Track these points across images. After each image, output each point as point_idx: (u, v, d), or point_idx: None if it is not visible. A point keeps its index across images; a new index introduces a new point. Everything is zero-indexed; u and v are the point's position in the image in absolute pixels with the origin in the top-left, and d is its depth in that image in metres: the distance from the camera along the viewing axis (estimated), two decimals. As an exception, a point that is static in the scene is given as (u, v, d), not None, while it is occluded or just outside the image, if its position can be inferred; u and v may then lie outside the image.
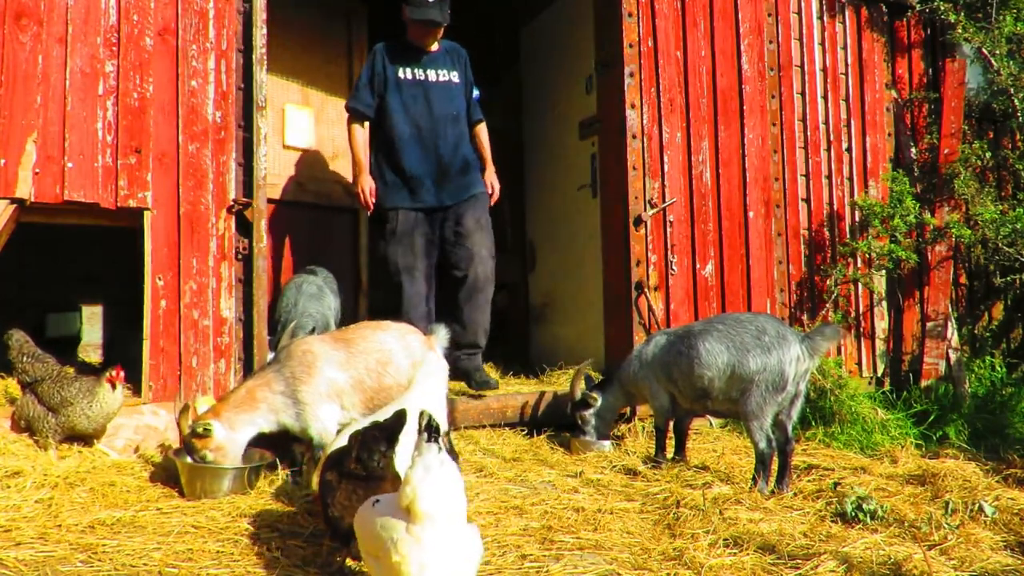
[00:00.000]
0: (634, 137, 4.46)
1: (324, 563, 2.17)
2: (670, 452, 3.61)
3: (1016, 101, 5.20)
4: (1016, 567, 2.30)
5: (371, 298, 5.03)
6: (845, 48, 5.28)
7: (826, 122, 5.16)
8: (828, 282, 4.97)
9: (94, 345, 5.51)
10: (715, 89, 4.73)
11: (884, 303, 5.25)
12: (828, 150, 5.15)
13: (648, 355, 3.56)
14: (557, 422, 4.12)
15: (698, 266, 4.62)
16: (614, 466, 3.46)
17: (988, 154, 5.33)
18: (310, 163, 4.86)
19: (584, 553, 2.32)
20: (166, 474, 2.97)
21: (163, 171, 3.43)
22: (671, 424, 3.60)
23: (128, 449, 3.23)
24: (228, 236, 3.54)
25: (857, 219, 5.14)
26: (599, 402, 3.79)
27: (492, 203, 4.26)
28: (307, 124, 4.85)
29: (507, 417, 4.06)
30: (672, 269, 4.52)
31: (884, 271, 5.13)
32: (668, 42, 4.61)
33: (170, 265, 3.42)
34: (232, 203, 3.55)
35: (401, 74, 4.02)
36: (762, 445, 3.13)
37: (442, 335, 3.32)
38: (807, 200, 5.04)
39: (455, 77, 4.13)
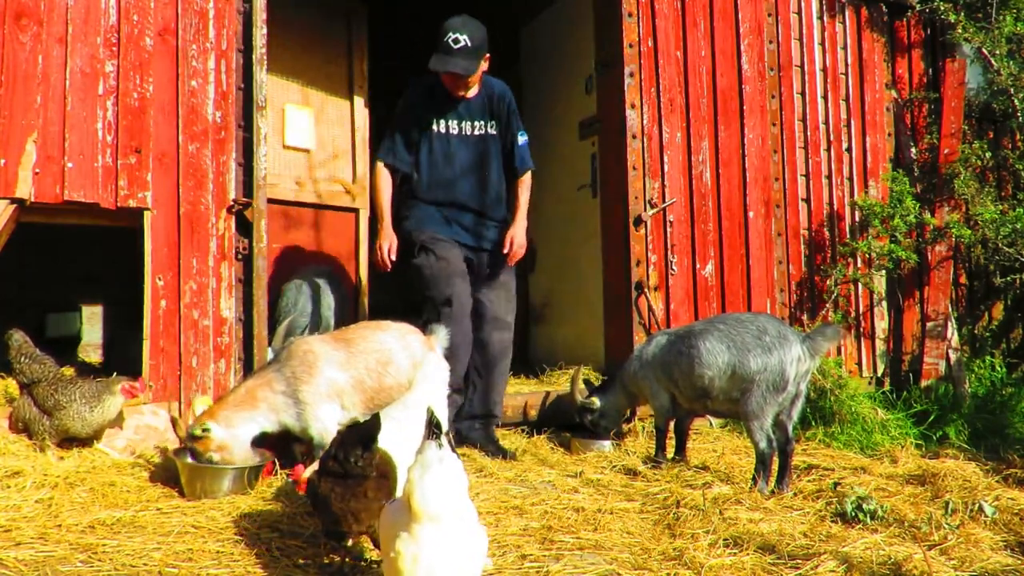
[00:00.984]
0: (634, 137, 4.46)
1: (323, 563, 2.17)
2: (670, 452, 3.61)
3: (1016, 101, 5.20)
4: (1016, 567, 2.30)
5: (371, 298, 5.02)
6: (845, 48, 5.28)
7: (826, 122, 5.16)
8: (828, 282, 4.97)
9: (94, 345, 5.51)
10: (715, 89, 4.73)
11: (884, 303, 5.25)
12: (828, 150, 5.15)
13: (648, 355, 3.56)
14: (557, 422, 4.12)
15: (698, 266, 4.62)
16: (614, 466, 3.46)
17: (988, 154, 5.33)
18: (310, 163, 4.86)
19: (584, 553, 2.32)
20: (166, 474, 2.97)
21: (163, 171, 3.43)
22: (671, 424, 3.61)
23: (128, 449, 3.23)
24: (228, 236, 3.54)
25: (857, 219, 5.14)
26: (597, 405, 3.80)
27: (511, 262, 3.70)
28: (307, 124, 4.84)
29: (507, 417, 4.06)
30: (672, 269, 4.52)
31: (884, 271, 5.13)
32: (668, 42, 4.61)
33: (170, 265, 3.42)
34: (232, 203, 3.55)
35: (435, 126, 3.63)
36: (762, 445, 3.12)
37: (442, 336, 3.32)
38: (807, 200, 5.04)
39: (492, 128, 3.70)
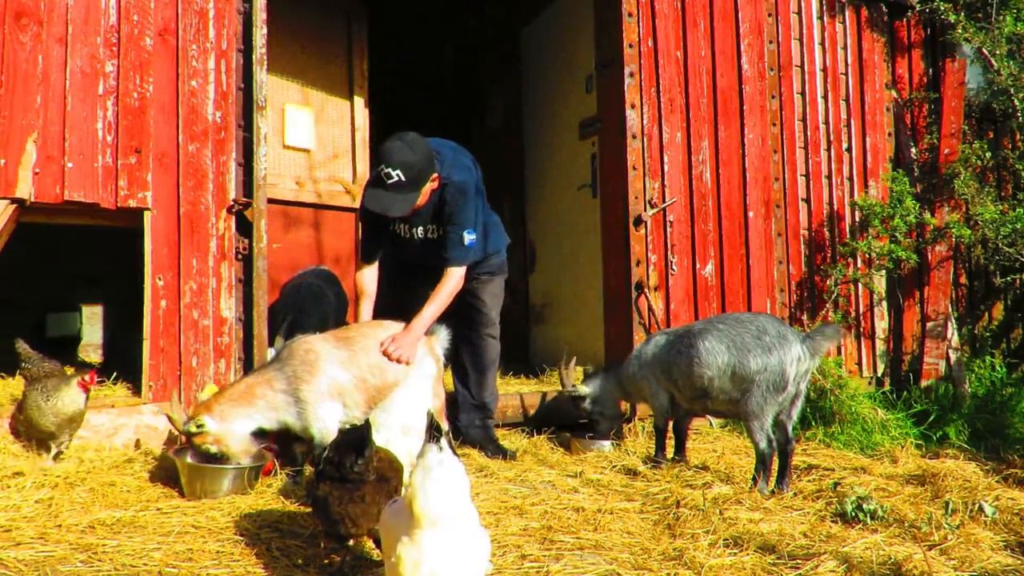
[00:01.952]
0: (634, 137, 4.46)
1: (323, 563, 2.18)
2: (670, 452, 3.61)
3: (1016, 101, 5.20)
4: (1016, 567, 2.30)
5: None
6: (845, 48, 5.28)
7: (826, 122, 5.16)
8: (828, 282, 4.97)
9: (94, 345, 5.50)
10: (715, 89, 4.73)
11: (884, 303, 5.25)
12: (828, 150, 5.15)
13: (648, 355, 3.56)
14: (557, 422, 4.12)
15: (698, 266, 4.62)
16: (614, 466, 3.46)
17: (988, 154, 5.33)
18: (310, 163, 4.86)
19: (584, 553, 2.32)
20: (166, 474, 2.97)
21: (163, 171, 3.43)
22: (671, 424, 3.60)
23: (129, 448, 3.23)
24: (228, 236, 3.54)
25: (857, 219, 5.14)
26: (586, 392, 3.83)
27: (390, 355, 3.07)
28: (307, 124, 4.84)
29: (507, 417, 4.06)
30: (672, 269, 4.52)
31: (884, 271, 5.13)
32: (668, 42, 4.61)
33: (170, 265, 3.42)
34: (232, 203, 3.55)
35: (396, 229, 3.44)
36: (763, 445, 3.12)
37: (442, 336, 3.32)
38: (807, 200, 5.04)
39: (441, 227, 3.40)
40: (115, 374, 3.72)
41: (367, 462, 2.02)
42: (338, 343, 3.04)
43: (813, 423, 4.26)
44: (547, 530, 2.51)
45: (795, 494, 3.08)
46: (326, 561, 2.18)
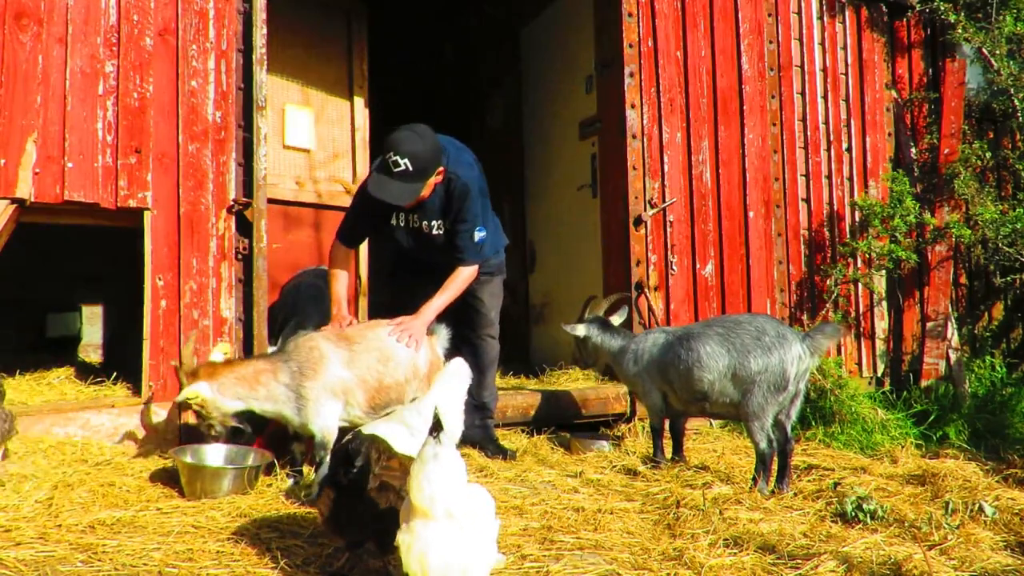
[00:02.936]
0: (634, 137, 4.46)
1: (324, 563, 2.18)
2: (668, 452, 3.60)
3: (1016, 101, 5.20)
4: (1016, 567, 2.30)
5: (371, 299, 5.02)
6: (845, 48, 5.28)
7: (826, 122, 5.16)
8: (828, 282, 4.97)
9: (94, 345, 5.51)
10: (715, 89, 4.73)
11: (884, 303, 5.25)
12: (828, 150, 5.15)
13: (644, 354, 3.54)
14: (557, 422, 4.12)
15: (698, 266, 4.62)
16: (614, 466, 3.46)
17: (988, 154, 5.33)
18: (310, 163, 4.86)
19: (584, 553, 2.32)
20: (166, 474, 2.97)
21: (163, 171, 3.43)
22: (666, 424, 3.60)
23: (129, 448, 3.23)
24: (228, 236, 3.54)
25: (857, 219, 5.14)
26: (581, 333, 3.76)
27: (398, 336, 3.13)
28: (307, 124, 4.84)
29: (507, 417, 4.06)
30: (672, 269, 4.52)
31: (884, 271, 5.13)
32: (668, 42, 4.61)
33: (170, 265, 3.42)
34: (232, 203, 3.55)
35: (393, 220, 3.37)
36: (763, 445, 3.12)
37: (443, 335, 3.32)
38: (807, 200, 5.04)
39: (448, 223, 3.36)
40: (115, 374, 3.72)
41: (362, 474, 2.03)
42: (341, 342, 3.04)
43: (813, 423, 4.26)
44: (547, 530, 2.51)
45: (795, 494, 3.08)
46: (326, 562, 2.18)
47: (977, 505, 2.82)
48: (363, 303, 4.96)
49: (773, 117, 4.92)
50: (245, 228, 3.56)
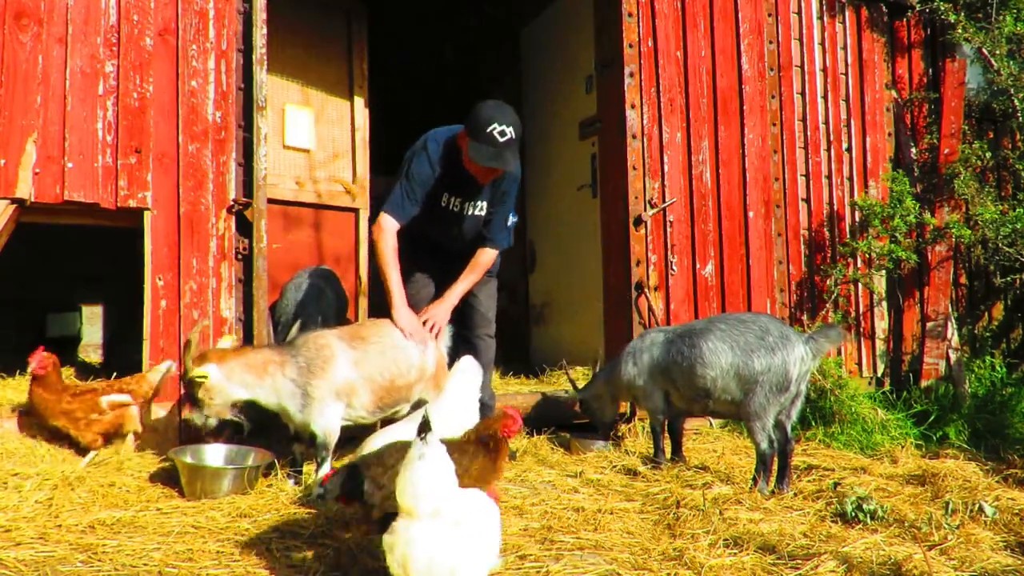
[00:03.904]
0: (634, 137, 4.46)
1: (328, 563, 2.18)
2: (668, 452, 3.60)
3: (1016, 101, 5.20)
4: (1016, 567, 2.30)
5: (371, 298, 5.03)
6: (845, 48, 5.28)
7: (826, 122, 5.16)
8: (828, 282, 4.97)
9: (94, 345, 5.51)
10: (715, 89, 4.73)
11: (884, 303, 5.25)
12: (828, 150, 5.15)
13: (643, 354, 3.53)
14: (557, 422, 4.12)
15: (698, 266, 4.62)
16: (614, 466, 3.46)
17: (988, 154, 5.33)
18: (310, 163, 4.86)
19: (584, 553, 2.32)
20: (166, 474, 2.97)
21: (163, 171, 3.43)
22: (666, 424, 3.60)
23: (129, 448, 3.23)
24: (228, 236, 3.54)
25: (857, 219, 5.14)
26: (581, 398, 3.87)
27: (429, 328, 3.28)
28: (307, 124, 4.84)
29: (507, 417, 4.06)
30: (672, 269, 4.52)
31: (884, 271, 5.13)
32: (668, 42, 4.61)
33: (170, 265, 3.42)
34: (232, 203, 3.55)
35: (442, 200, 3.33)
36: (764, 445, 3.12)
37: (447, 333, 3.32)
38: (807, 200, 5.04)
39: (487, 206, 3.41)
40: (115, 374, 3.72)
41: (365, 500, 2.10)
42: (353, 341, 3.02)
43: (813, 423, 4.26)
44: (547, 530, 2.51)
45: (795, 494, 3.08)
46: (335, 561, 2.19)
47: (977, 505, 2.82)
48: (363, 303, 4.96)
49: (773, 117, 4.92)
50: (245, 228, 3.56)
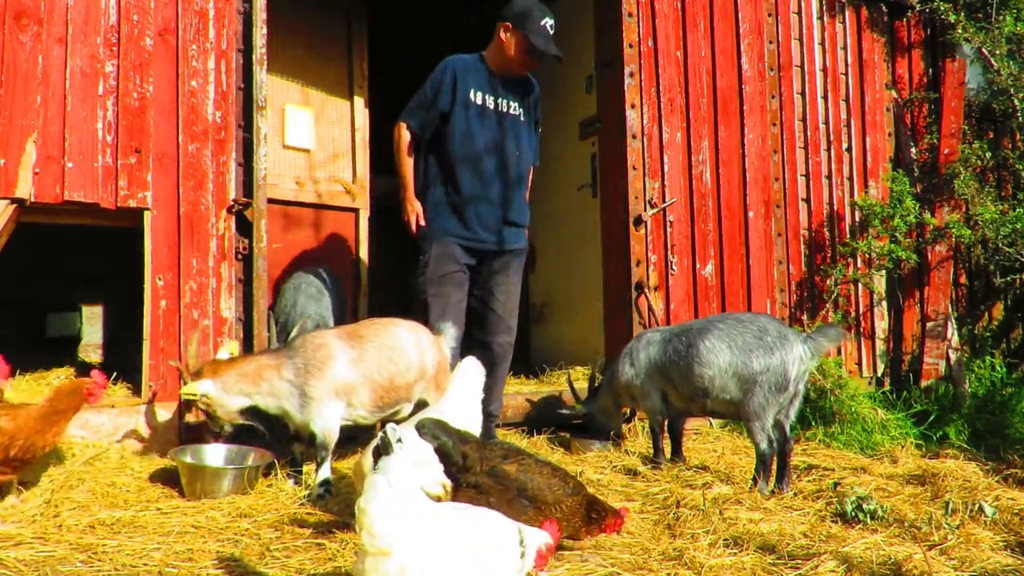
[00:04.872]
0: (634, 137, 4.46)
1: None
2: (668, 453, 3.60)
3: (1016, 101, 5.20)
4: (1016, 567, 2.30)
5: (371, 298, 5.02)
6: (845, 48, 5.28)
7: (826, 122, 5.16)
8: (828, 282, 4.97)
9: (94, 345, 5.50)
10: (715, 89, 4.73)
11: (884, 303, 5.25)
12: (828, 150, 5.15)
13: (640, 354, 3.53)
14: (557, 422, 4.12)
15: (698, 266, 4.62)
16: (614, 466, 3.46)
17: (988, 154, 5.33)
18: (310, 163, 4.86)
19: (584, 553, 2.32)
20: (166, 474, 2.97)
21: (163, 171, 3.43)
22: (665, 424, 3.60)
23: (129, 448, 3.23)
24: (228, 236, 3.54)
25: (857, 219, 5.14)
26: (586, 411, 3.88)
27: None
28: (307, 124, 4.84)
29: (507, 417, 4.06)
30: (672, 269, 4.52)
31: (884, 271, 5.13)
32: (668, 42, 4.61)
33: (170, 265, 3.42)
34: (232, 203, 3.55)
35: (472, 96, 3.58)
36: (763, 445, 3.12)
37: (450, 334, 3.31)
38: (807, 200, 5.04)
39: (522, 113, 3.75)
40: (115, 374, 3.72)
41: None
42: (351, 341, 3.02)
43: (813, 423, 4.26)
44: (547, 530, 2.50)
45: (795, 494, 3.08)
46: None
47: (977, 505, 2.82)
48: (363, 303, 4.96)
49: (773, 117, 4.92)
50: (245, 228, 3.56)
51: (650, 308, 4.38)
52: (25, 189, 3.16)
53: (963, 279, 5.77)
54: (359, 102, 5.08)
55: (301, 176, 4.80)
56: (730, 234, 4.72)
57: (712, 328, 3.26)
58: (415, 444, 2.10)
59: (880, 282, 5.22)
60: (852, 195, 5.19)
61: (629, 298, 4.40)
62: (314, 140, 4.89)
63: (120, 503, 2.64)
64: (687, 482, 3.18)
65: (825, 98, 5.17)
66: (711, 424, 4.34)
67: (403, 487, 1.59)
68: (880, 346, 5.21)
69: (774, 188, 4.88)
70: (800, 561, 2.27)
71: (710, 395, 3.24)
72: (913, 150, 5.43)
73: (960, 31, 5.03)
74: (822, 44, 5.19)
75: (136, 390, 3.41)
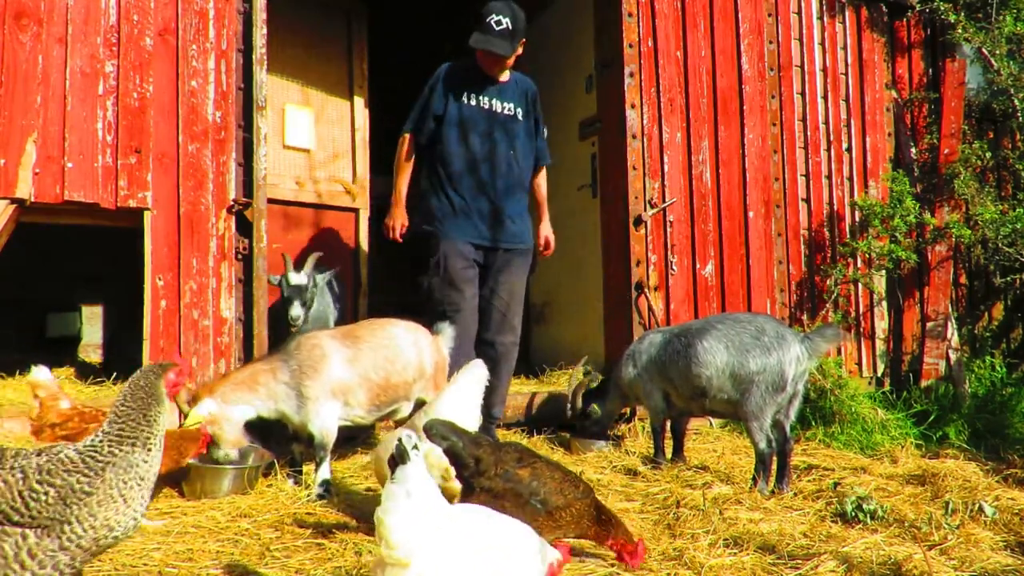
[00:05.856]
0: (634, 137, 4.46)
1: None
2: (669, 452, 3.60)
3: (1016, 101, 5.20)
4: (1016, 567, 2.30)
5: (371, 298, 5.03)
6: (845, 48, 5.28)
7: (826, 122, 5.16)
8: (828, 282, 4.97)
9: (94, 345, 5.51)
10: (715, 89, 4.73)
11: (884, 303, 5.25)
12: (828, 150, 5.15)
13: (642, 354, 3.54)
14: (557, 422, 4.12)
15: (698, 266, 4.62)
16: (614, 466, 3.46)
17: (988, 154, 5.33)
18: (310, 163, 4.86)
19: (584, 553, 2.31)
20: (166, 474, 2.96)
21: (163, 171, 3.43)
22: (667, 424, 3.60)
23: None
24: (228, 236, 3.54)
25: (857, 219, 5.14)
26: (599, 414, 3.84)
27: (547, 254, 3.99)
28: (307, 124, 4.84)
29: (507, 417, 4.06)
30: (672, 269, 4.52)
31: (884, 271, 5.13)
32: (668, 42, 4.61)
33: (170, 265, 3.42)
34: (232, 203, 3.55)
35: (465, 99, 3.65)
36: (762, 445, 3.12)
37: (448, 334, 3.31)
38: (807, 200, 5.04)
39: (520, 113, 3.76)
40: (115, 374, 3.72)
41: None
42: (345, 340, 3.02)
43: (813, 423, 4.26)
44: (547, 530, 2.50)
45: (795, 494, 3.08)
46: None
47: (977, 505, 2.82)
48: (363, 303, 4.96)
49: (773, 117, 4.92)
50: (245, 228, 3.56)
51: (650, 308, 4.38)
52: (25, 189, 3.16)
53: (963, 279, 5.77)
54: (359, 102, 5.09)
55: (301, 176, 4.80)
56: (730, 234, 4.72)
57: (710, 328, 3.26)
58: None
59: (880, 282, 5.22)
60: (852, 195, 5.19)
61: (629, 298, 4.40)
62: (314, 140, 4.89)
63: (120, 503, 2.64)
64: (687, 482, 3.18)
65: (825, 98, 5.17)
66: (711, 424, 4.34)
67: (421, 496, 1.56)
68: (880, 346, 5.21)
69: (774, 188, 4.88)
70: (800, 561, 2.27)
71: (708, 395, 3.25)
72: (913, 150, 5.43)
73: (960, 31, 5.03)
74: (822, 44, 5.19)
75: (136, 390, 3.41)
